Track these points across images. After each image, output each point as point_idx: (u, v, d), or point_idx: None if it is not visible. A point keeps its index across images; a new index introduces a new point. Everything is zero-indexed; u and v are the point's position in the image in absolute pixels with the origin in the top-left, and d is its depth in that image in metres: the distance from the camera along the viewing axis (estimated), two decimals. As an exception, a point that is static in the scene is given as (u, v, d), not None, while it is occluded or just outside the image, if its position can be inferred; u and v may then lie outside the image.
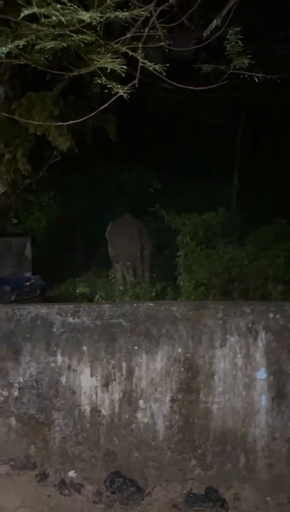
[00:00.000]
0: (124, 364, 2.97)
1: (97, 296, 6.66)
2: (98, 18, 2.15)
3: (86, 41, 2.41)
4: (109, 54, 2.54)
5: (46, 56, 2.49)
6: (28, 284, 6.79)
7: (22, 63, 2.53)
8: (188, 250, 7.95)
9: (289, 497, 2.95)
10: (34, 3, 2.07)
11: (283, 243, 7.27)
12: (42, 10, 2.01)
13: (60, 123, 7.03)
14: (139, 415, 2.98)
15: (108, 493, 2.83)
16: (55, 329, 2.93)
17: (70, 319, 2.94)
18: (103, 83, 2.45)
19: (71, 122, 3.39)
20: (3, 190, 8.27)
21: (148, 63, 2.54)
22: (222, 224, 7.97)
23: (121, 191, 9.94)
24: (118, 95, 2.79)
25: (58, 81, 7.88)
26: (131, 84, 2.74)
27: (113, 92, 2.73)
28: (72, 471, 2.88)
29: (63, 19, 2.05)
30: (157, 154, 9.26)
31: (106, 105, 2.99)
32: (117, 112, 7.57)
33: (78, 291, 7.14)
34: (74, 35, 2.37)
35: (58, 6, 2.01)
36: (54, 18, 2.08)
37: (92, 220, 10.05)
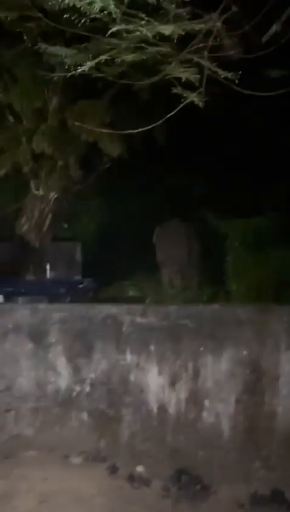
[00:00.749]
0: (190, 365, 3.05)
1: (148, 300, 6.76)
2: (178, 31, 2.25)
3: (161, 52, 2.52)
4: (182, 64, 2.65)
5: (122, 68, 2.62)
6: (81, 286, 6.99)
7: (99, 75, 2.67)
8: (237, 254, 7.98)
9: None
10: (117, 21, 2.20)
11: None
12: (128, 26, 2.13)
13: (111, 131, 7.21)
14: (204, 414, 3.05)
15: (175, 489, 2.90)
16: (124, 328, 3.04)
17: (138, 319, 3.05)
18: (179, 92, 2.55)
19: (125, 131, 3.50)
20: (55, 196, 8.53)
21: (221, 71, 2.62)
22: (271, 228, 7.95)
23: (169, 197, 10.04)
24: (185, 102, 2.89)
25: (108, 89, 8.09)
26: (198, 91, 2.83)
27: (182, 101, 2.83)
28: (140, 466, 2.98)
29: (147, 33, 2.16)
30: (206, 161, 9.31)
31: (173, 113, 3.10)
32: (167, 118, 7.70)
33: (129, 294, 7.28)
34: (150, 47, 2.48)
35: (143, 22, 2.13)
36: (137, 33, 2.20)
37: (139, 225, 10.19)
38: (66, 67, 2.67)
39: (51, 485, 2.68)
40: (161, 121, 3.08)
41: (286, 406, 3.03)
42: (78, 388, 3.05)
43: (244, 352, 3.06)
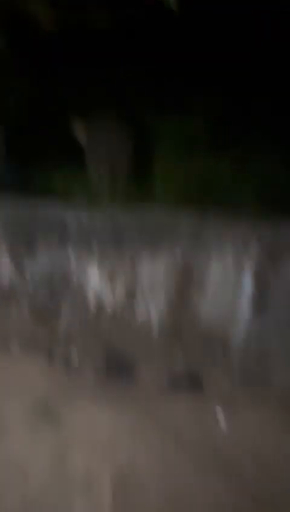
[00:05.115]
0: (128, 266, 3.25)
1: (78, 195, 6.73)
2: None
3: None
4: None
5: None
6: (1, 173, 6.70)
7: None
8: (166, 156, 8.00)
9: (256, 385, 3.47)
10: None
11: (268, 160, 7.41)
12: None
13: None
14: (137, 311, 3.32)
15: (105, 376, 3.24)
16: (68, 229, 3.12)
17: (83, 221, 3.13)
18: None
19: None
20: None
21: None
22: (205, 133, 7.97)
23: (103, 86, 9.57)
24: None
25: None
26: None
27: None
28: (75, 355, 3.25)
29: None
30: (149, 53, 8.86)
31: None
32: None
33: (60, 188, 7.14)
34: None
35: None
36: None
37: (70, 112, 9.67)
38: None
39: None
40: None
41: (209, 306, 3.36)
42: (20, 285, 3.15)
43: (179, 257, 3.29)
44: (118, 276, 3.24)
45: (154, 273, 3.26)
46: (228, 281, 3.33)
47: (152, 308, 3.30)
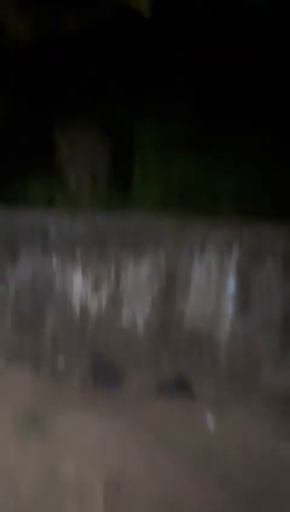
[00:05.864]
0: (112, 270, 3.24)
1: (57, 201, 6.69)
2: None
3: None
4: None
5: None
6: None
7: None
8: (146, 159, 8.01)
9: (243, 386, 3.49)
10: None
11: (247, 159, 7.49)
12: None
13: None
14: (123, 315, 3.31)
15: (92, 380, 3.21)
16: (50, 236, 3.10)
17: (65, 227, 3.11)
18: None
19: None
20: None
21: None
22: (184, 133, 8.00)
23: (77, 89, 9.55)
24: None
25: None
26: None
27: None
28: (62, 363, 3.22)
29: None
30: (121, 53, 8.88)
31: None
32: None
33: (36, 194, 7.09)
34: None
35: None
36: None
37: (43, 117, 9.63)
38: None
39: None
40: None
41: (194, 307, 3.38)
42: (2, 293, 3.11)
43: (162, 259, 3.30)
44: (102, 282, 3.23)
45: (138, 277, 3.26)
46: (212, 283, 3.36)
47: (138, 312, 3.29)
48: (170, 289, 3.32)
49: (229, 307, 3.40)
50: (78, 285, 3.18)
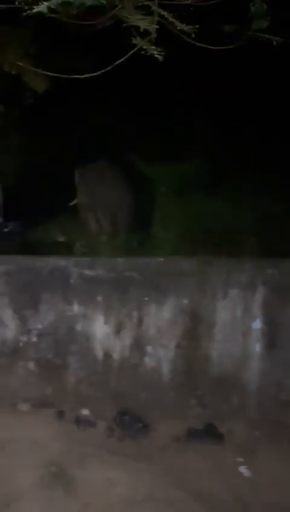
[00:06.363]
0: (134, 313, 3.19)
1: (77, 245, 6.76)
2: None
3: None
4: (139, 12, 2.57)
5: (78, 11, 2.50)
6: (6, 230, 6.77)
7: (52, 16, 2.52)
8: (163, 200, 8.11)
9: (271, 430, 3.34)
10: None
11: (259, 197, 7.53)
12: None
13: (35, 64, 6.82)
14: (146, 359, 3.23)
15: (119, 429, 3.11)
16: (72, 280, 3.08)
17: (86, 271, 3.10)
18: (139, 43, 2.49)
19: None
20: (-26, 132, 8.00)
21: (179, 24, 2.58)
22: (197, 174, 8.11)
23: (95, 136, 9.80)
24: (134, 50, 2.83)
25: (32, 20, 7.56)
26: (148, 38, 2.77)
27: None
28: (86, 410, 3.13)
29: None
30: (136, 101, 9.13)
31: (122, 59, 3.03)
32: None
33: (56, 239, 7.18)
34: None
35: None
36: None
37: (62, 165, 9.88)
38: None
39: (2, 432, 2.75)
40: (110, 67, 3.00)
41: (219, 350, 3.29)
42: (24, 339, 3.08)
43: (185, 302, 3.24)
44: (124, 326, 3.18)
45: (161, 321, 3.20)
46: (237, 323, 3.27)
47: (162, 357, 3.22)
48: (195, 332, 3.25)
49: (256, 347, 3.30)
50: (100, 330, 3.14)
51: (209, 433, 3.21)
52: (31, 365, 3.09)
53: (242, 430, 3.26)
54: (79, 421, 3.06)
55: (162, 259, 3.27)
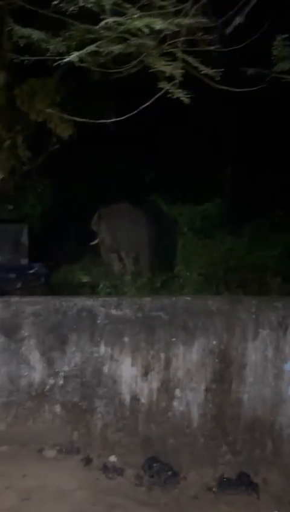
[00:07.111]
0: (162, 355, 3.11)
1: (101, 285, 6.76)
2: (168, 26, 2.24)
3: (145, 45, 2.50)
4: (165, 58, 2.63)
5: (105, 59, 2.57)
6: (32, 271, 6.84)
7: (82, 65, 2.60)
8: (185, 240, 8.13)
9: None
10: (107, 11, 2.15)
11: (280, 234, 7.50)
12: (119, 19, 2.09)
13: (61, 112, 7.03)
14: (175, 403, 3.12)
15: (147, 477, 2.98)
16: (99, 321, 3.04)
17: (113, 311, 3.05)
18: (165, 88, 2.54)
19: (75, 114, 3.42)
20: (2, 176, 8.22)
21: (203, 67, 2.63)
22: (219, 214, 8.16)
23: (118, 179, 9.98)
24: (159, 94, 2.88)
25: (58, 68, 7.85)
26: (172, 83, 2.83)
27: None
28: (113, 456, 3.02)
29: (137, 26, 2.13)
30: (155, 145, 9.32)
31: (146, 104, 3.09)
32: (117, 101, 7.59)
33: (80, 279, 7.22)
34: (134, 39, 2.46)
35: (135, 15, 2.10)
36: (126, 26, 2.16)
37: (86, 208, 10.07)
38: (48, 53, 2.58)
39: (29, 480, 2.66)
40: (135, 111, 3.05)
41: (251, 393, 3.17)
42: (51, 381, 3.01)
43: (214, 342, 3.15)
44: (152, 368, 3.09)
45: (189, 362, 3.11)
46: (268, 364, 3.16)
47: (191, 400, 3.10)
48: (224, 374, 3.14)
49: (289, 390, 3.17)
50: (127, 372, 3.06)
51: (243, 483, 3.05)
52: (57, 409, 3.01)
53: (278, 479, 3.10)
54: (106, 468, 2.94)
55: (189, 298, 3.21)
